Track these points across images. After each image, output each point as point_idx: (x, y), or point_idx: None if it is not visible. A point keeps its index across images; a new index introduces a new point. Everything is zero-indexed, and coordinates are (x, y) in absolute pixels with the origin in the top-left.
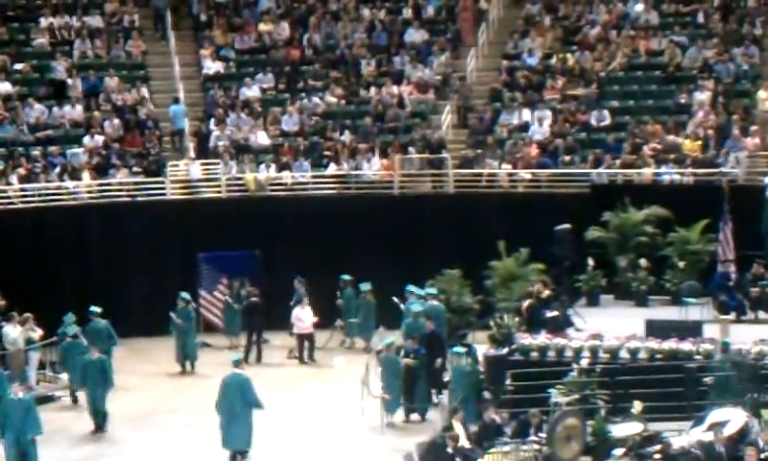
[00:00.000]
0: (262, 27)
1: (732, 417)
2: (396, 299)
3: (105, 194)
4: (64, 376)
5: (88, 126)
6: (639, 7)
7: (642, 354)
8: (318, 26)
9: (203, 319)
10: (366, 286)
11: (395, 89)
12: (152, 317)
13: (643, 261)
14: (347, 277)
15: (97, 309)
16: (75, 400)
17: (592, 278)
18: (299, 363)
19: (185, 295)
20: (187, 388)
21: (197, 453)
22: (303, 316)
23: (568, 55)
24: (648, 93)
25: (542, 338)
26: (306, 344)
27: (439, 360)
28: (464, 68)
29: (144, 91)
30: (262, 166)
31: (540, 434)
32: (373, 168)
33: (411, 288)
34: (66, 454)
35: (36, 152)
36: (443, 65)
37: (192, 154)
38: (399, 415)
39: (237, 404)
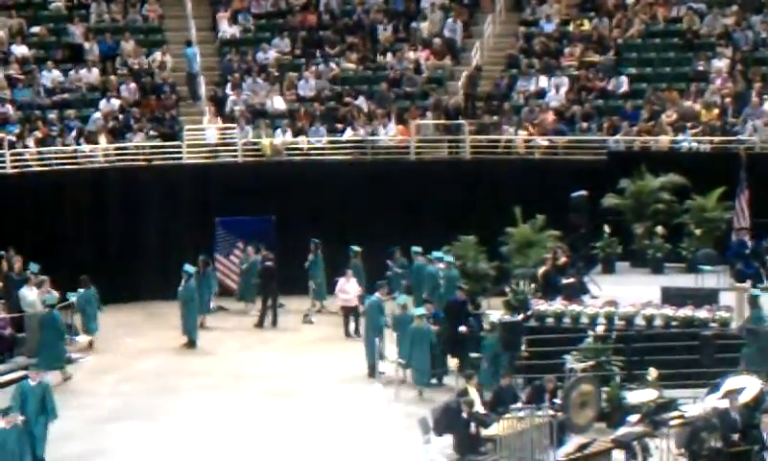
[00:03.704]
0: None
1: (748, 384)
2: (389, 262)
3: (121, 158)
4: (81, 338)
5: (105, 90)
6: None
7: (658, 322)
8: None
9: (219, 283)
10: (355, 248)
11: (411, 55)
12: (167, 281)
13: (660, 229)
14: (316, 240)
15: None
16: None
17: (608, 245)
18: (345, 337)
19: (188, 268)
20: (201, 352)
21: (210, 416)
22: (349, 288)
23: (586, 21)
24: (666, 60)
25: (558, 305)
26: (352, 317)
27: (462, 328)
28: (481, 34)
29: (167, 57)
30: (278, 131)
31: (555, 400)
32: (390, 134)
33: (417, 250)
34: (84, 415)
35: (53, 115)
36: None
37: (208, 115)
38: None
39: (368, 327)
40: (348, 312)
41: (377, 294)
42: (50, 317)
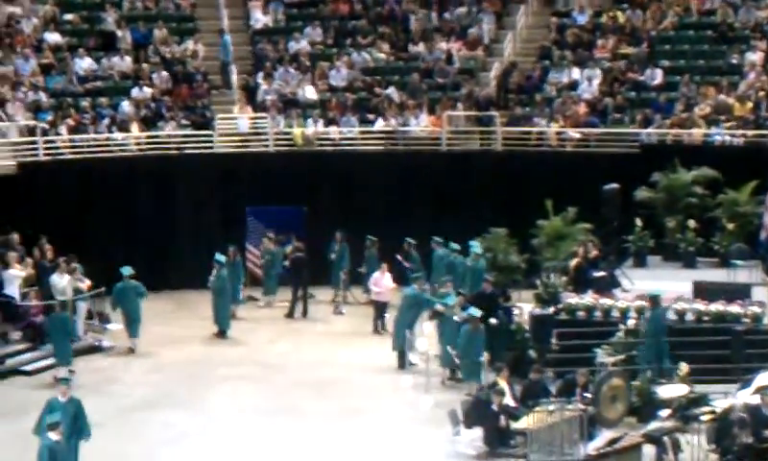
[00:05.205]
0: None
1: None
2: (399, 256)
3: (153, 146)
4: (113, 326)
5: (137, 78)
6: None
7: (689, 316)
8: None
9: (249, 273)
10: (372, 238)
11: (443, 45)
12: (198, 270)
13: (692, 222)
14: (338, 233)
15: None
16: (131, 350)
17: (640, 238)
18: (372, 332)
19: (219, 257)
20: (232, 342)
21: (240, 405)
22: (384, 282)
23: (619, 13)
24: (699, 53)
25: (589, 298)
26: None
27: (493, 320)
28: (513, 25)
29: (199, 46)
30: (309, 121)
31: (586, 394)
32: (421, 125)
33: (438, 239)
34: (117, 403)
35: (85, 103)
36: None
37: (239, 104)
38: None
39: (405, 315)
40: (380, 307)
41: (414, 286)
42: (126, 288)
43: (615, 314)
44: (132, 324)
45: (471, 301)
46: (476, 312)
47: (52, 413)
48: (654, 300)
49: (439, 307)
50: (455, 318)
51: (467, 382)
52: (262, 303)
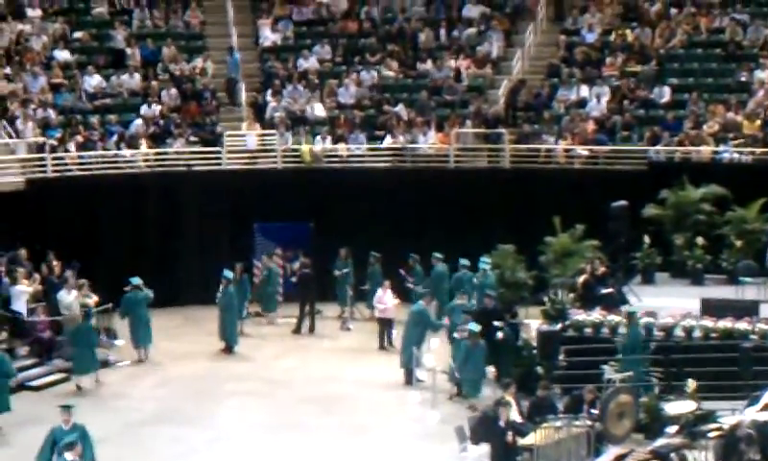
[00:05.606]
0: None
1: None
2: (402, 271)
3: (161, 163)
4: (119, 342)
5: (146, 95)
6: None
7: (697, 333)
8: None
9: (255, 289)
10: (375, 254)
11: (452, 63)
12: (206, 286)
13: (700, 240)
14: (343, 249)
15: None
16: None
17: (648, 255)
18: (379, 348)
19: (227, 273)
20: (239, 358)
21: (246, 421)
22: (386, 299)
23: (628, 31)
24: (708, 71)
25: (596, 315)
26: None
27: (499, 334)
28: (522, 43)
29: (208, 63)
30: (318, 138)
31: (593, 410)
32: (429, 142)
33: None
34: (125, 418)
35: (94, 120)
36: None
37: (247, 121)
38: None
39: (412, 331)
40: (384, 323)
41: (422, 302)
42: (141, 297)
43: (623, 331)
44: (143, 332)
45: (474, 317)
46: (475, 328)
47: (57, 443)
48: (630, 316)
49: (462, 334)
50: (455, 335)
51: (468, 398)
52: (266, 321)
